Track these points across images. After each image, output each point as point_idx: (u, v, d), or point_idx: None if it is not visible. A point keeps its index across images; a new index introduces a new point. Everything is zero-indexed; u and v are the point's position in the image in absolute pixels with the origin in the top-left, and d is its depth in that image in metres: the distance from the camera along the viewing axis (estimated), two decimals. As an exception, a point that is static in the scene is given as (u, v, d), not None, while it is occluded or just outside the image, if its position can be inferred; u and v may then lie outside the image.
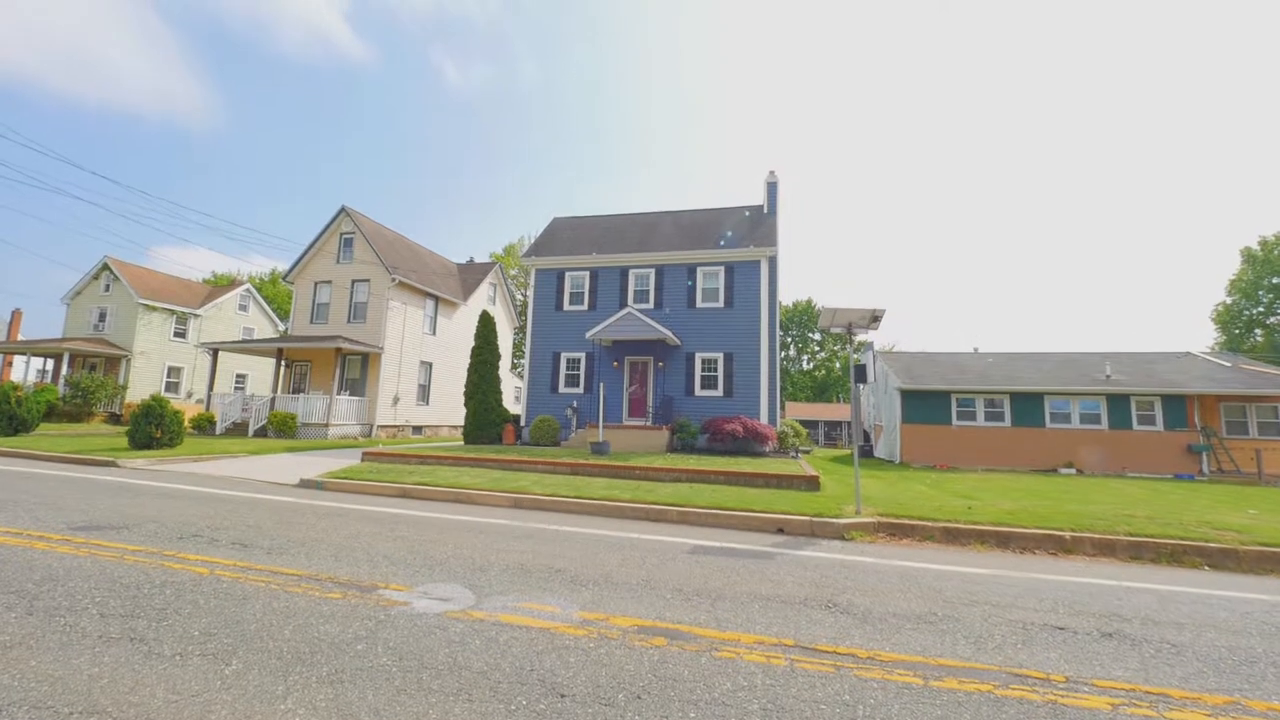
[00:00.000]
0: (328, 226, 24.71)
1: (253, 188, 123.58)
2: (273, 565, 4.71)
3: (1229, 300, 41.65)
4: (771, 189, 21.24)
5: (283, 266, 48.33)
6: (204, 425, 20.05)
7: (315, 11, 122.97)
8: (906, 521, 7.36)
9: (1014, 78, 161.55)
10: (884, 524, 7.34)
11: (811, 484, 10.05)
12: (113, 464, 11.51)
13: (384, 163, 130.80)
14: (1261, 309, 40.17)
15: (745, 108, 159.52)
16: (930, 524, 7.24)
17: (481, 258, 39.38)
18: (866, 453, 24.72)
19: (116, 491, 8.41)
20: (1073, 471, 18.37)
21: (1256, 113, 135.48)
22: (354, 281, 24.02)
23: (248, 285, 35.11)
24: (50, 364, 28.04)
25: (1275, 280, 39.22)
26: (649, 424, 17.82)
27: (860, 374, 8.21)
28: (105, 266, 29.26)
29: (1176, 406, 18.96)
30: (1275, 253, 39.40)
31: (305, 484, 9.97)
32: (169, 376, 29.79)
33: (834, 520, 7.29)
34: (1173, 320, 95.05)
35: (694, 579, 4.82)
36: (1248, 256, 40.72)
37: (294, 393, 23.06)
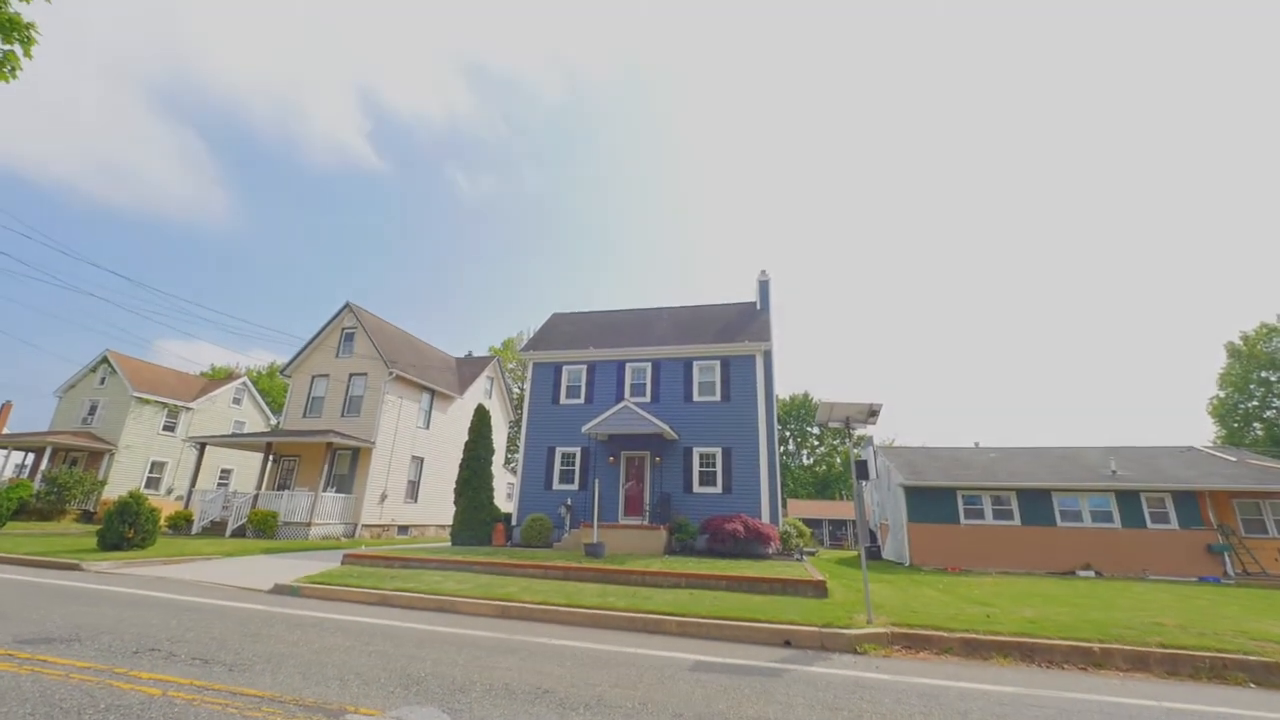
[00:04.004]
0: (330, 321, 25.27)
1: (262, 284, 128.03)
2: (233, 685, 4.29)
3: (1222, 394, 42.00)
4: (764, 286, 22.09)
5: (282, 360, 48.85)
6: (180, 524, 19.17)
7: (338, 131, 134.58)
8: (922, 632, 6.87)
9: (1001, 173, 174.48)
10: (898, 635, 6.84)
11: (819, 590, 9.49)
12: (76, 567, 10.86)
13: (392, 261, 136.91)
14: (1256, 402, 40.42)
15: (739, 205, 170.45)
16: (948, 635, 6.75)
17: (480, 351, 39.99)
18: (874, 554, 23.62)
19: (75, 598, 7.84)
20: (1091, 574, 17.48)
21: (1243, 203, 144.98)
22: (351, 375, 24.14)
23: (244, 379, 35.12)
24: (31, 458, 27.31)
25: (1264, 374, 39.85)
26: (646, 523, 17.14)
27: (862, 470, 8.04)
28: (104, 359, 29.42)
29: (1189, 504, 18.46)
30: (1258, 347, 40.37)
31: (279, 589, 9.36)
32: (151, 471, 28.95)
33: (845, 631, 6.79)
34: (1164, 412, 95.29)
35: (695, 701, 4.38)
36: (1232, 351, 41.65)
37: (279, 489, 22.32)
